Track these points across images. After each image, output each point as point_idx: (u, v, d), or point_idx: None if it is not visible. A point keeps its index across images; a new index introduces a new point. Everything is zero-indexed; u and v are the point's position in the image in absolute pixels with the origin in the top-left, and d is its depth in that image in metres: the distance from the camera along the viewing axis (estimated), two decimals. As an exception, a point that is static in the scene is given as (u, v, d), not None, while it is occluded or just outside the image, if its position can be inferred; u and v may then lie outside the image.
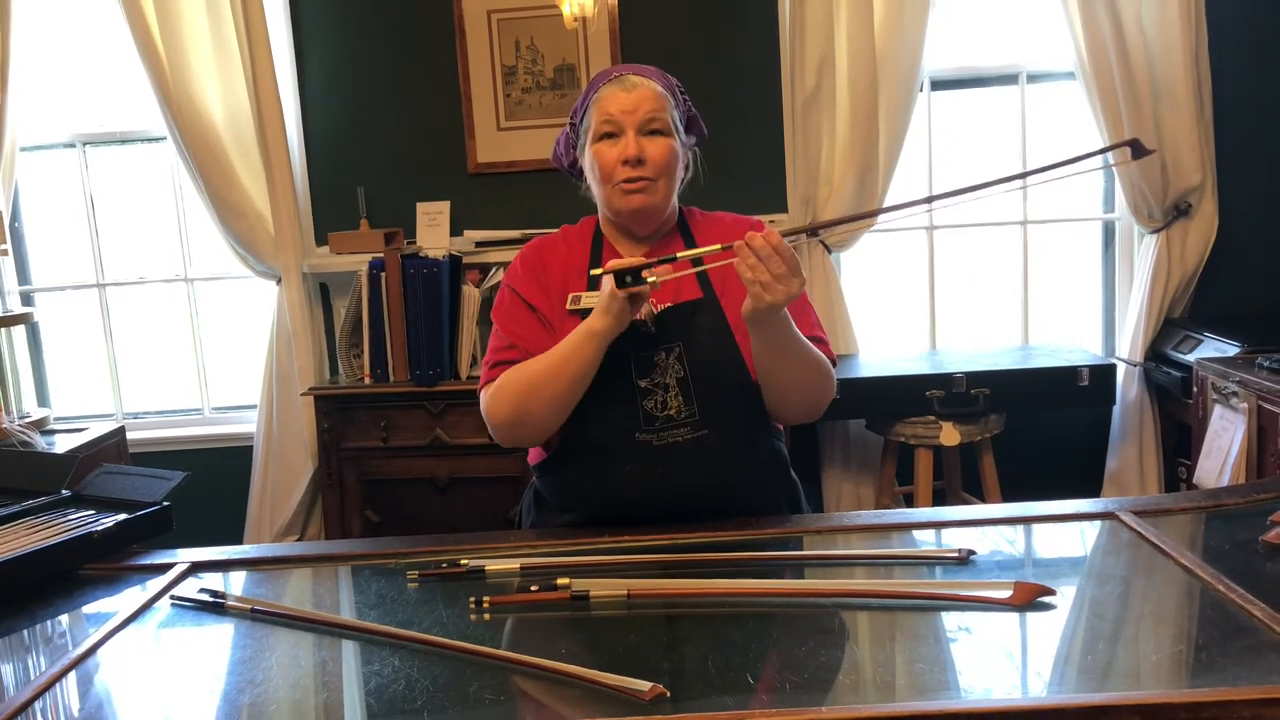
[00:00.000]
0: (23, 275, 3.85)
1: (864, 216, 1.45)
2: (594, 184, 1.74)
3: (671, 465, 1.66)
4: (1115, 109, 3.33)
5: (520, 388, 1.64)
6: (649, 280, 1.55)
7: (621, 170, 1.66)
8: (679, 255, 1.59)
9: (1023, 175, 1.49)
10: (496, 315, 1.77)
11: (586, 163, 1.73)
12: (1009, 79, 3.63)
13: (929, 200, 1.59)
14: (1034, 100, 3.63)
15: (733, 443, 1.69)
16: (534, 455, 1.81)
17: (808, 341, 1.65)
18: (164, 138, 3.56)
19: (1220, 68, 3.38)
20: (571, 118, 1.79)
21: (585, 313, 1.65)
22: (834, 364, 1.71)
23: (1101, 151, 1.48)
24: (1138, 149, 1.44)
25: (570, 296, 1.72)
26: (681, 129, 1.73)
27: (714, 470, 1.67)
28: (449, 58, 3.56)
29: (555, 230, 1.85)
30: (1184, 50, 3.29)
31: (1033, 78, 3.62)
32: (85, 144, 3.80)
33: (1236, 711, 1.04)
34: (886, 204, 3.45)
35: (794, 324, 1.61)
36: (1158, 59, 3.33)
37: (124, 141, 3.81)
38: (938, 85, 3.64)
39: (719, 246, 1.54)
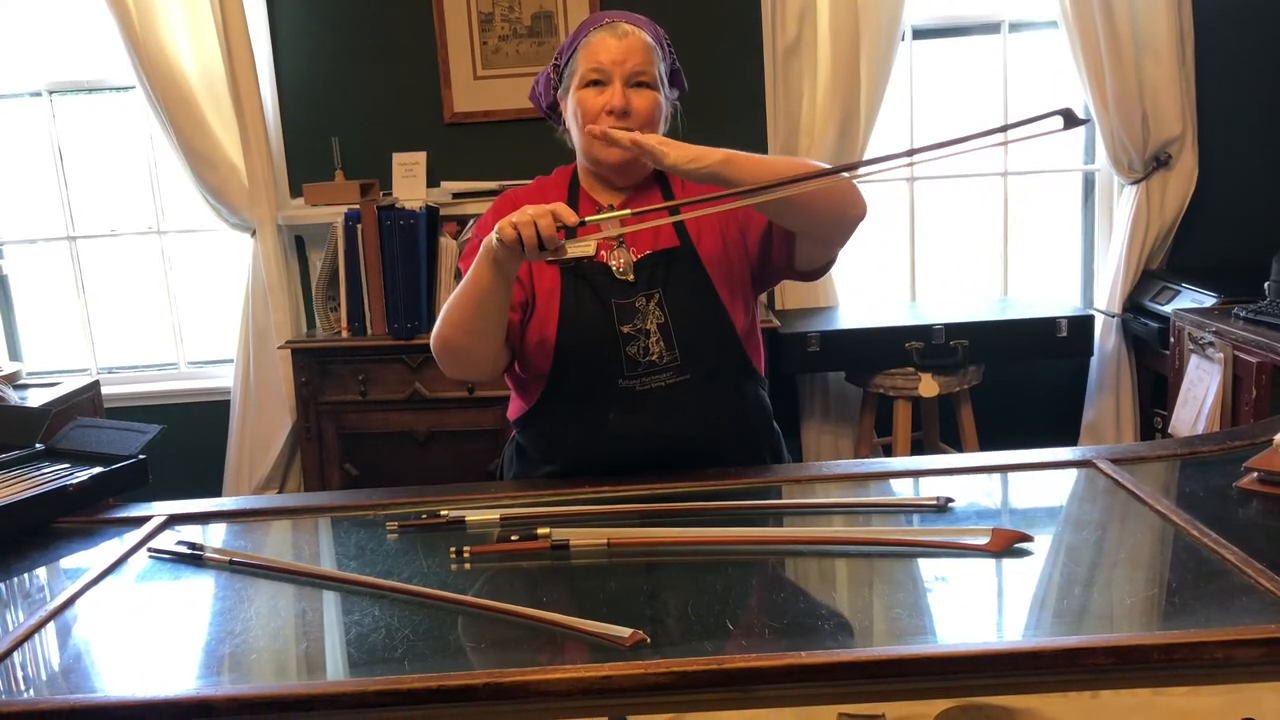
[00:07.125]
0: (-10, 228, 3.79)
1: (840, 170, 1.42)
2: (574, 130, 1.71)
3: (654, 411, 1.65)
4: (1097, 58, 3.31)
5: (442, 316, 1.62)
6: (592, 227, 1.50)
7: (605, 120, 1.64)
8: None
9: (954, 142, 1.45)
10: (464, 263, 1.73)
11: (569, 107, 1.70)
12: (991, 28, 3.59)
13: (908, 154, 1.57)
14: (1016, 50, 3.61)
15: (715, 387, 1.69)
16: (513, 410, 1.79)
17: (781, 159, 1.60)
18: (134, 87, 3.48)
19: (1203, 19, 3.35)
20: (556, 58, 1.75)
21: (566, 261, 1.61)
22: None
23: (1033, 120, 1.44)
24: (1070, 119, 1.42)
25: None
26: (666, 82, 1.71)
27: (696, 415, 1.67)
28: (425, 4, 3.49)
29: (530, 182, 1.82)
30: (1167, 0, 3.27)
31: (1015, 27, 3.59)
32: (52, 93, 3.71)
33: (1208, 652, 1.05)
34: (867, 155, 3.43)
35: (747, 158, 1.51)
36: (1140, 8, 3.31)
37: (92, 90, 3.72)
38: (919, 34, 3.61)
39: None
